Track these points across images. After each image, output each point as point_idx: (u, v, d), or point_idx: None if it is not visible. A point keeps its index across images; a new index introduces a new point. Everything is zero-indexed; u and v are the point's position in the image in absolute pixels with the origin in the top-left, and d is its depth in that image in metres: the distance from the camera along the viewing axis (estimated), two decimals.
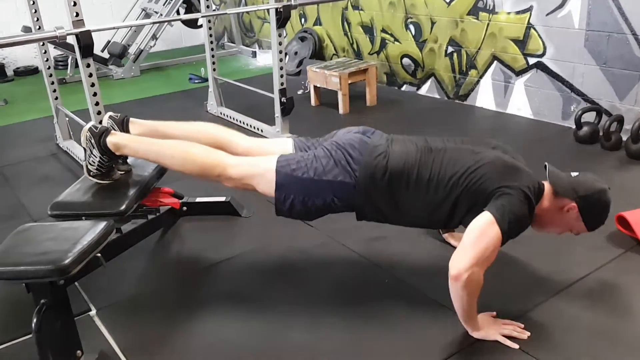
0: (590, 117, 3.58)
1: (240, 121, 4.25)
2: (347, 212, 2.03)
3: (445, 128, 4.04)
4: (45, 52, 3.70)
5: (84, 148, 2.15)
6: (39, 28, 3.57)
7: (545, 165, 1.99)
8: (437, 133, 3.86)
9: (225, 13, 5.06)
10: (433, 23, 4.55)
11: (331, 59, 5.42)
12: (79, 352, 1.83)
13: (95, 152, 2.13)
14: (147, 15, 6.00)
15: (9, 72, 6.22)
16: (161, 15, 5.75)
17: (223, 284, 2.33)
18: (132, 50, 5.96)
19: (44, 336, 1.70)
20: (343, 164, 1.94)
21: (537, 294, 2.12)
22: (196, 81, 5.63)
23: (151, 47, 6.03)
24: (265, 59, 6.38)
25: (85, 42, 2.76)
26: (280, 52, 3.64)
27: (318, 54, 5.69)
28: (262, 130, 4.02)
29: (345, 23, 5.39)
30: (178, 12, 5.87)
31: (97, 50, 3.95)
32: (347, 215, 2.07)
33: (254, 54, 6.64)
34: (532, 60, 3.97)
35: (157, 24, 5.92)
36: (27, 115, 4.80)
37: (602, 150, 3.43)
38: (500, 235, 1.75)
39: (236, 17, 6.88)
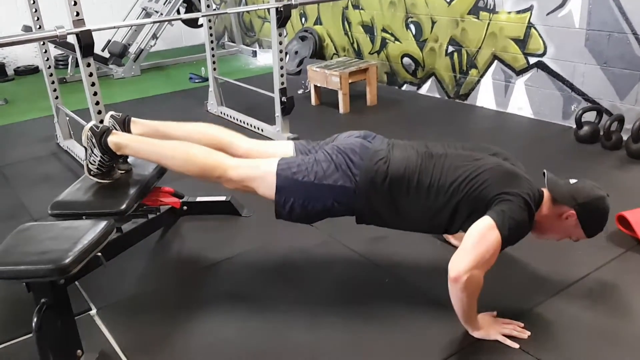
0: (590, 116, 3.58)
1: (240, 121, 4.25)
2: (347, 216, 2.03)
3: (446, 128, 4.04)
4: (45, 51, 3.70)
5: (85, 147, 2.15)
6: (40, 27, 3.57)
7: (544, 173, 1.99)
8: (438, 132, 3.90)
9: (226, 12, 5.05)
10: (433, 22, 4.55)
11: (331, 59, 5.42)
12: (79, 351, 1.83)
13: (96, 151, 2.13)
14: (148, 15, 6.00)
15: (10, 71, 6.23)
16: (161, 14, 5.75)
17: (223, 284, 2.33)
18: (132, 49, 5.96)
19: (44, 335, 1.70)
20: (344, 168, 1.94)
21: (537, 294, 2.12)
22: (196, 80, 5.63)
23: (151, 46, 6.04)
24: (266, 59, 6.38)
25: (85, 41, 2.76)
26: (281, 51, 3.64)
27: (318, 53, 5.69)
28: (262, 130, 4.02)
29: (346, 22, 5.39)
30: (178, 12, 5.87)
31: (97, 49, 3.95)
32: None
33: (255, 54, 6.64)
34: (532, 60, 3.96)
35: (158, 24, 5.92)
36: (28, 114, 4.80)
37: (603, 150, 3.43)
38: (500, 240, 1.76)
39: (236, 17, 6.88)
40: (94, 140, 2.11)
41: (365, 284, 2.27)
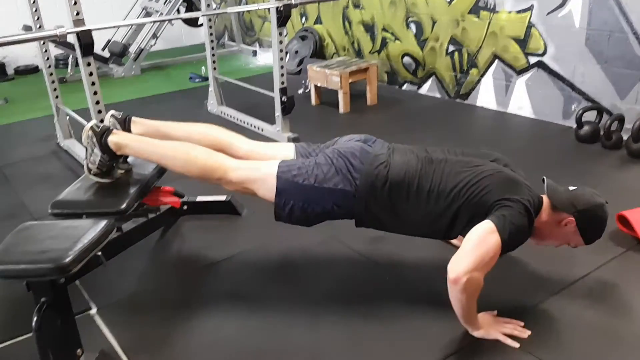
0: (591, 116, 3.58)
1: (240, 120, 4.25)
2: (347, 219, 2.04)
3: (446, 127, 4.04)
4: (45, 51, 3.69)
5: (85, 146, 2.15)
6: (40, 27, 3.57)
7: (544, 179, 2.00)
8: (438, 132, 3.90)
9: (226, 12, 5.06)
10: (434, 22, 4.54)
11: (332, 58, 5.41)
12: (79, 350, 1.83)
13: (97, 150, 2.12)
14: (148, 14, 6.00)
15: (10, 71, 6.23)
16: (162, 14, 5.75)
17: (223, 283, 2.33)
18: (132, 49, 5.97)
19: (44, 335, 1.70)
20: (344, 172, 1.94)
21: (537, 293, 2.12)
22: (197, 80, 5.63)
23: (152, 46, 6.04)
24: (266, 58, 6.38)
25: (85, 41, 2.76)
26: (281, 51, 3.64)
27: (319, 52, 5.69)
28: (262, 129, 4.02)
29: (346, 22, 5.39)
30: (178, 11, 5.87)
31: (97, 49, 3.95)
32: None
33: (255, 53, 6.64)
34: (533, 60, 3.96)
35: (158, 23, 5.93)
36: (28, 114, 4.80)
37: (603, 150, 3.43)
38: (500, 243, 1.76)
39: (237, 16, 6.88)
40: (94, 140, 2.11)
41: (365, 283, 2.27)
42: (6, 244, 1.78)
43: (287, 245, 2.54)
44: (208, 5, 4.24)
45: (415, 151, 2.03)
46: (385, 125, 4.16)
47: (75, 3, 2.73)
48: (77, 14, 2.74)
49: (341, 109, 4.46)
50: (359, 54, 5.35)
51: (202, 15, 4.69)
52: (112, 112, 2.29)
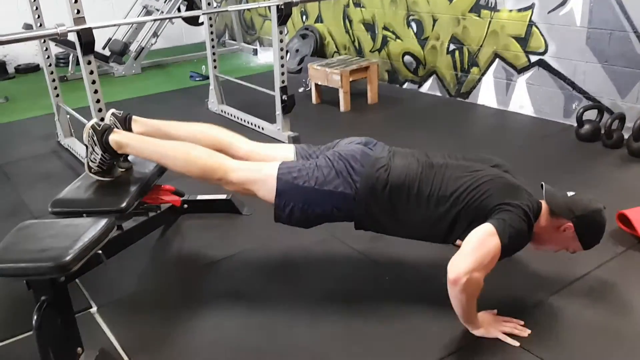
0: (591, 114, 3.58)
1: (241, 119, 4.25)
2: (347, 221, 2.04)
3: (447, 126, 4.03)
4: (46, 49, 3.69)
5: (86, 145, 2.15)
6: (40, 25, 3.57)
7: (542, 185, 2.00)
8: (439, 131, 3.90)
9: (227, 10, 5.06)
10: (435, 20, 4.54)
11: (332, 57, 5.41)
12: (79, 349, 1.83)
13: (97, 149, 2.13)
14: (148, 13, 6.00)
15: (10, 69, 6.23)
16: (162, 12, 5.75)
17: (224, 282, 2.33)
18: (133, 47, 5.96)
19: (44, 333, 1.70)
20: (344, 174, 1.94)
21: (537, 292, 2.12)
22: (197, 79, 5.63)
23: (152, 44, 6.03)
24: (266, 57, 6.37)
25: (86, 39, 2.76)
26: (282, 49, 3.64)
27: (319, 51, 5.69)
28: (262, 128, 4.02)
29: (347, 20, 5.38)
30: (179, 10, 5.86)
31: (98, 47, 3.95)
32: None
33: (255, 52, 6.63)
34: (533, 58, 3.96)
35: (158, 22, 5.92)
36: (28, 112, 4.80)
37: (604, 148, 3.43)
38: (500, 246, 1.76)
39: (237, 15, 6.88)
40: (95, 139, 2.11)
41: (365, 282, 2.27)
42: (6, 242, 1.78)
43: (287, 244, 2.54)
44: (209, 4, 4.23)
45: (416, 155, 2.03)
46: (385, 124, 4.16)
47: (75, 1, 2.72)
48: (78, 12, 2.74)
49: (342, 108, 4.46)
50: (359, 52, 5.35)
51: (203, 14, 4.68)
52: (112, 110, 2.29)
